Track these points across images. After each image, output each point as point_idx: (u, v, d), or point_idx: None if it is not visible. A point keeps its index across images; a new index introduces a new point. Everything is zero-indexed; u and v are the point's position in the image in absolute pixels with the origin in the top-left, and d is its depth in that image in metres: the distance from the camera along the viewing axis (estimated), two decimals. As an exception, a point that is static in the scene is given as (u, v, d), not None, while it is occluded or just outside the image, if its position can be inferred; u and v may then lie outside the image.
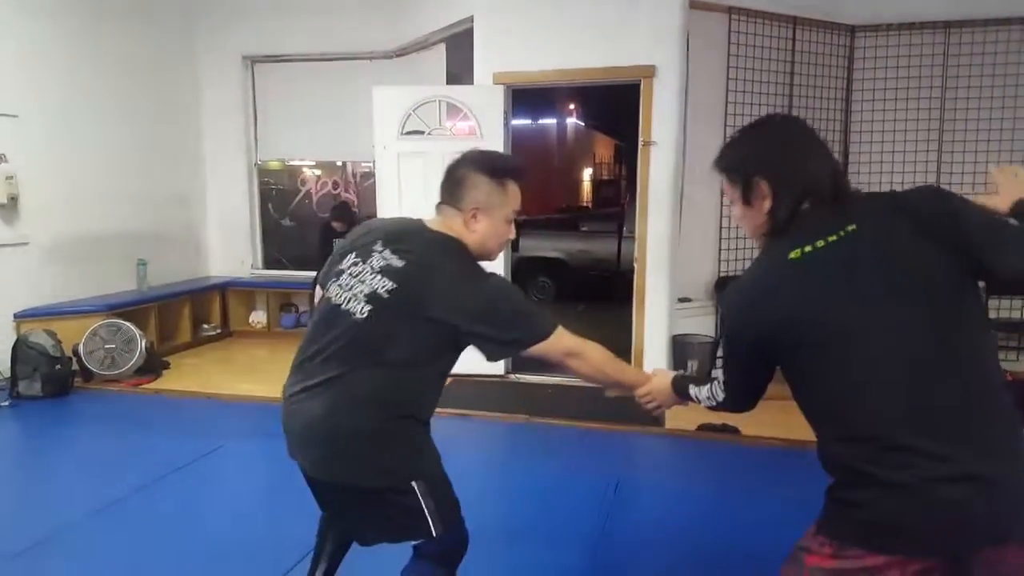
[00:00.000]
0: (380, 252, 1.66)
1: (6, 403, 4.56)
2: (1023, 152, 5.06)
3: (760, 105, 4.95)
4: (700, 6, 4.83)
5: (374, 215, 5.10)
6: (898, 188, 1.28)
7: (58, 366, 4.74)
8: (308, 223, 7.06)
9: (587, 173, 18.67)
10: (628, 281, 5.27)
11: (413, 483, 1.64)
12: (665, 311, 4.89)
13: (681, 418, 4.00)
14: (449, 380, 1.77)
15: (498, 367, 5.02)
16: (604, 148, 18.74)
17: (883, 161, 5.28)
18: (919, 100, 5.22)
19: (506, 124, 5.01)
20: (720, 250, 5.14)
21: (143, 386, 5.05)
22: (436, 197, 1.79)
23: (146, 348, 5.20)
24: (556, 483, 3.38)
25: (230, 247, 7.04)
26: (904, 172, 5.23)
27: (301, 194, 7.22)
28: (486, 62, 4.97)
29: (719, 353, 1.46)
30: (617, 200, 13.01)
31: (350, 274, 1.67)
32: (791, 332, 1.27)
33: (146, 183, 6.21)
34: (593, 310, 7.86)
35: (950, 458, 1.14)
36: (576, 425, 4.21)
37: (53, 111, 5.32)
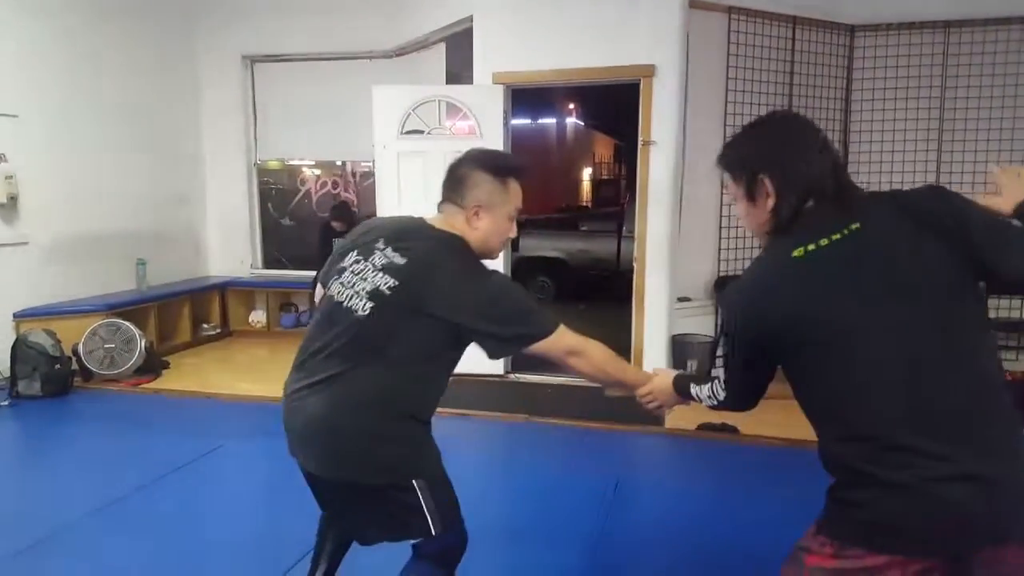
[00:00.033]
0: (382, 250, 1.67)
1: (5, 403, 4.56)
2: (1022, 151, 5.06)
3: (760, 105, 4.95)
4: (700, 6, 4.82)
5: (374, 215, 5.10)
6: (898, 187, 1.27)
7: (57, 366, 4.74)
8: (308, 223, 7.06)
9: (587, 173, 18.69)
10: (628, 281, 5.27)
11: (414, 481, 1.65)
12: (665, 311, 4.89)
13: (681, 418, 4.00)
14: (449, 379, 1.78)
15: (498, 367, 5.02)
16: (604, 148, 18.76)
17: (883, 161, 5.28)
18: (919, 100, 5.22)
19: (506, 124, 5.01)
20: (720, 250, 5.14)
21: (143, 386, 5.05)
22: (436, 196, 1.80)
23: (145, 348, 5.19)
24: (556, 483, 3.38)
25: (230, 247, 7.04)
26: (904, 172, 5.23)
27: (301, 194, 7.22)
28: (486, 62, 4.97)
29: (718, 352, 1.45)
30: (617, 200, 13.01)
31: (352, 272, 1.67)
32: (793, 331, 1.26)
33: (146, 183, 6.21)
34: (593, 310, 7.86)
35: (950, 458, 1.14)
36: (576, 425, 4.21)
37: (53, 111, 5.32)
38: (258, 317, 6.85)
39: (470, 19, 5.04)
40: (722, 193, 5.00)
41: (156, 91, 6.34)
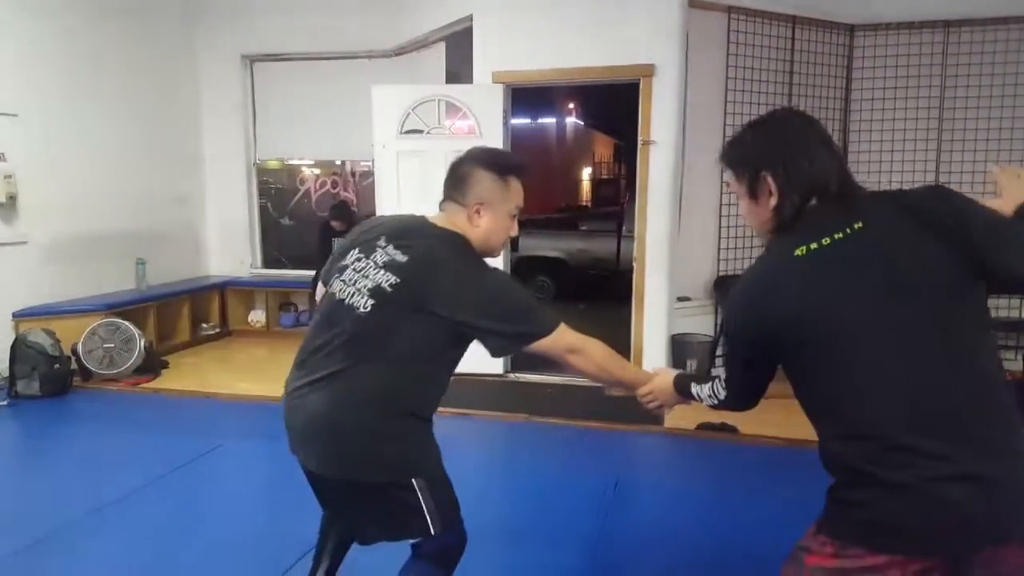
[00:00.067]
0: (384, 248, 1.67)
1: (4, 402, 4.55)
2: (1022, 151, 5.07)
3: (759, 104, 4.94)
4: (699, 5, 4.82)
5: (373, 214, 5.09)
6: (897, 187, 1.26)
7: (57, 365, 4.73)
8: (307, 222, 7.05)
9: (586, 172, 18.70)
10: (627, 280, 5.27)
11: (413, 480, 1.64)
12: (664, 310, 4.89)
13: (681, 417, 4.00)
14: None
15: (497, 366, 5.03)
16: (603, 147, 18.76)
17: (882, 160, 5.28)
18: (918, 99, 5.22)
19: (505, 123, 5.01)
20: (719, 249, 5.14)
21: (142, 385, 5.04)
22: (435, 196, 1.81)
23: (145, 347, 5.19)
24: (556, 482, 3.38)
25: (229, 246, 7.04)
26: (903, 171, 5.23)
27: (300, 193, 7.21)
28: (485, 61, 4.97)
29: (718, 352, 1.45)
30: (616, 199, 13.02)
31: (353, 269, 1.68)
32: (793, 331, 1.26)
33: (145, 182, 6.20)
34: (593, 309, 7.86)
35: (950, 458, 1.14)
36: (576, 424, 4.21)
37: (52, 110, 5.32)
38: (257, 317, 6.85)
39: (470, 18, 5.04)
40: (722, 193, 5.00)
41: (156, 91, 6.33)
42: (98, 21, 5.69)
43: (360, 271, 1.66)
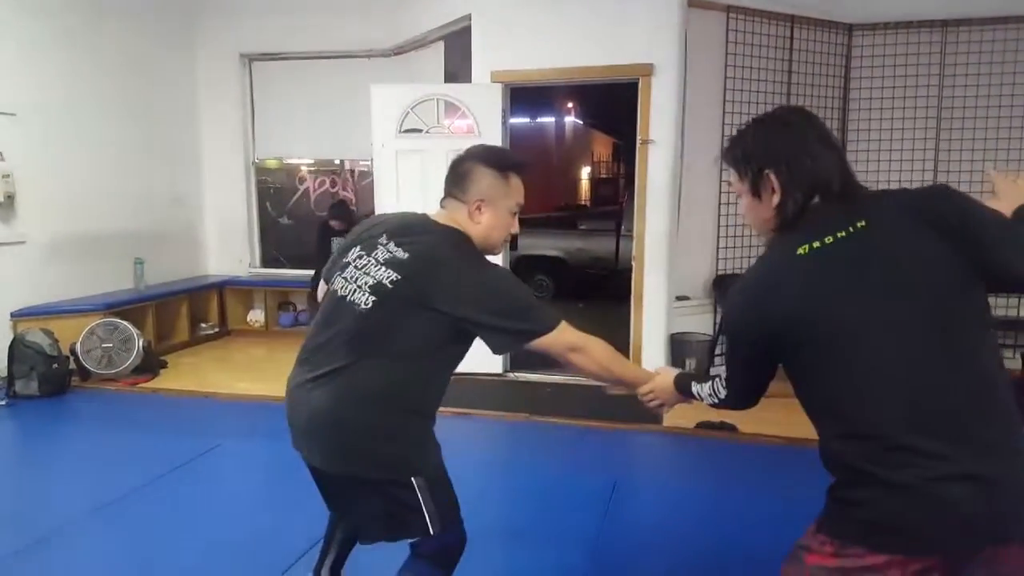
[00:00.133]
0: (385, 245, 1.68)
1: (3, 402, 4.55)
2: (1020, 151, 5.07)
3: (758, 104, 4.95)
4: (698, 4, 4.82)
5: (372, 213, 5.09)
6: (895, 186, 1.27)
7: (55, 365, 4.73)
8: (306, 222, 7.04)
9: (585, 171, 18.70)
10: (626, 279, 5.27)
11: (413, 479, 1.65)
12: (663, 309, 4.90)
13: (680, 416, 3.99)
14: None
15: (497, 366, 5.03)
16: (602, 146, 18.75)
17: (880, 159, 5.29)
18: (916, 99, 5.23)
19: (504, 122, 5.01)
20: (718, 248, 5.14)
21: (140, 385, 5.04)
22: (435, 195, 1.82)
23: (143, 347, 5.18)
24: (556, 482, 3.38)
25: (228, 246, 7.03)
26: (901, 170, 5.24)
27: (299, 192, 7.20)
28: (484, 60, 4.97)
29: (717, 351, 1.45)
30: (615, 198, 13.02)
31: (355, 266, 1.68)
32: (794, 330, 1.26)
33: (144, 181, 6.19)
34: (592, 308, 7.86)
35: (950, 458, 1.13)
36: (576, 424, 4.21)
37: (51, 109, 5.30)
38: (256, 316, 6.84)
39: (468, 18, 5.04)
40: (721, 192, 5.00)
41: (154, 89, 6.32)
42: (98, 21, 5.68)
43: (362, 268, 1.67)
